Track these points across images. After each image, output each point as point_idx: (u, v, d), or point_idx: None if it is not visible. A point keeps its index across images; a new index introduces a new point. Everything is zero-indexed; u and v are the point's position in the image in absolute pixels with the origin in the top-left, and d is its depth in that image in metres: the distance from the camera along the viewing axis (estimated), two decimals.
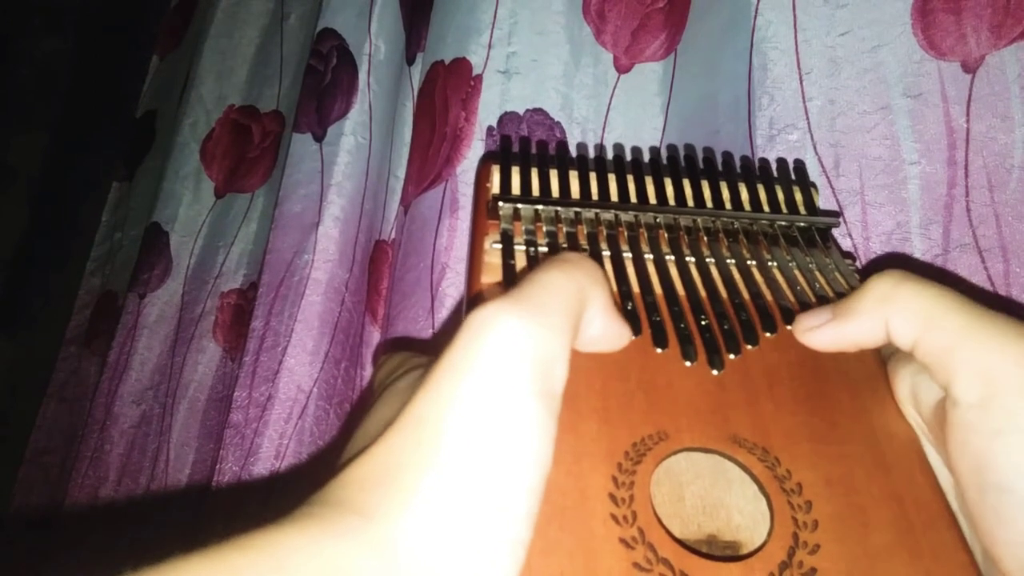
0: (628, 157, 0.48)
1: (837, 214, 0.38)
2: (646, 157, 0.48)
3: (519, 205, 0.30)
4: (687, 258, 0.29)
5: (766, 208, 0.33)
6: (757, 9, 0.41)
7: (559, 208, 0.31)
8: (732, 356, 0.25)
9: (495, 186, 0.32)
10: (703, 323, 0.26)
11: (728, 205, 0.33)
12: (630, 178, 0.33)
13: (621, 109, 0.50)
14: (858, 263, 0.38)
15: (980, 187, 0.36)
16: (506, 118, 0.49)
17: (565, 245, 0.29)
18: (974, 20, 0.37)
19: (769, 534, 0.21)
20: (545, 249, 0.29)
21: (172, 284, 0.70)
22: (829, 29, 0.40)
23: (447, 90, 0.52)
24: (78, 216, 0.99)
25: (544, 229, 0.30)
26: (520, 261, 0.28)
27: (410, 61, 0.60)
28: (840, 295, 0.27)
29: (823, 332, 0.25)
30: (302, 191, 0.57)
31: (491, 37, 0.51)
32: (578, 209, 0.31)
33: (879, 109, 0.39)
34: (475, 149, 0.49)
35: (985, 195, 0.36)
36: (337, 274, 0.54)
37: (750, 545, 0.22)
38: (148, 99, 0.87)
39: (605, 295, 0.23)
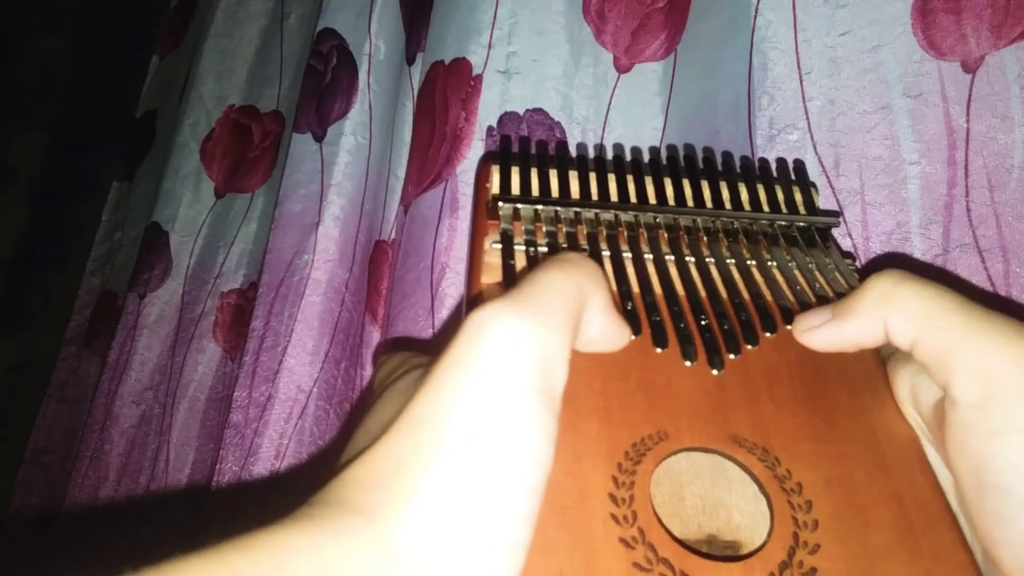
0: (628, 157, 0.48)
1: (837, 214, 0.38)
2: (646, 157, 0.48)
3: (519, 205, 0.30)
4: (687, 258, 0.29)
5: (766, 208, 0.33)
6: (757, 9, 0.41)
7: (559, 208, 0.31)
8: (732, 356, 0.25)
9: (495, 186, 0.32)
10: (703, 323, 0.26)
11: (728, 205, 0.33)
12: (630, 178, 0.33)
13: (621, 109, 0.50)
14: (858, 263, 0.38)
15: (980, 187, 0.36)
16: (506, 118, 0.49)
17: (565, 245, 0.29)
18: (974, 20, 0.37)
19: (769, 534, 0.21)
20: (545, 249, 0.29)
21: (172, 284, 0.70)
22: (829, 29, 0.40)
23: (447, 90, 0.52)
24: (78, 216, 0.99)
25: (544, 229, 0.30)
26: (520, 261, 0.28)
27: (410, 61, 0.60)
28: (840, 295, 0.27)
29: (822, 332, 0.25)
30: (302, 191, 0.57)
31: (491, 37, 0.51)
32: (578, 209, 0.31)
33: (879, 109, 0.39)
34: (475, 149, 0.49)
35: (985, 195, 0.36)
36: (337, 274, 0.54)
37: (750, 545, 0.22)
38: (148, 99, 0.87)
39: (605, 295, 0.23)
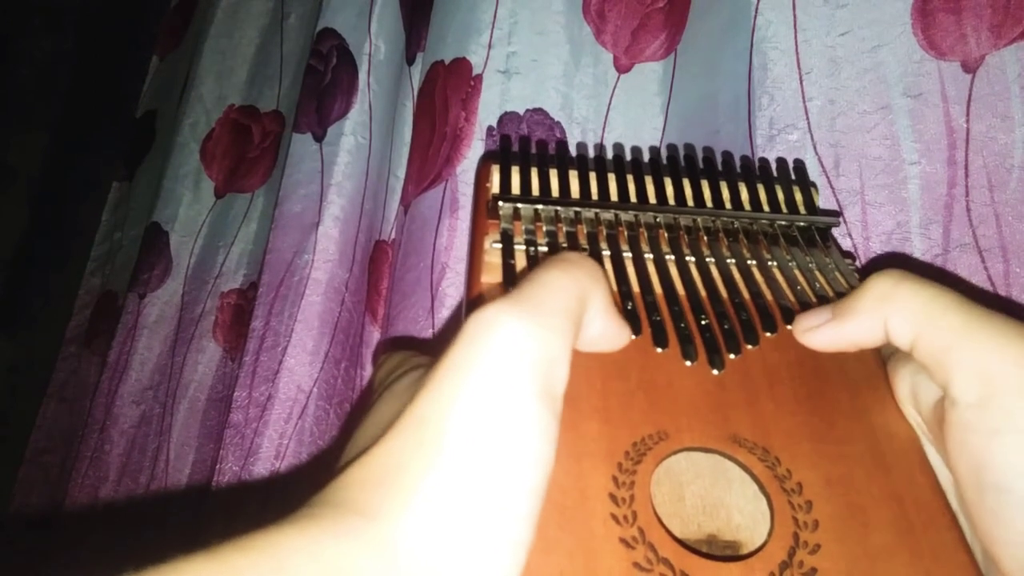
0: (628, 157, 0.48)
1: (837, 213, 0.38)
2: (646, 157, 0.48)
3: (519, 205, 0.30)
4: (687, 258, 0.29)
5: (766, 208, 0.33)
6: (757, 9, 0.41)
7: (559, 208, 0.31)
8: (732, 356, 0.25)
9: (495, 186, 0.32)
10: (703, 323, 0.26)
11: (728, 205, 0.33)
12: (630, 178, 0.33)
13: (621, 109, 0.50)
14: (858, 263, 0.38)
15: (980, 187, 0.36)
16: (506, 118, 0.49)
17: (565, 245, 0.29)
18: (974, 20, 0.37)
19: (769, 534, 0.21)
20: (545, 249, 0.29)
21: (172, 284, 0.70)
22: (829, 29, 0.40)
23: (447, 90, 0.52)
24: (78, 216, 0.99)
25: (544, 229, 0.30)
26: (520, 261, 0.28)
27: (410, 61, 0.60)
28: (840, 295, 0.27)
29: (822, 332, 0.25)
30: (302, 191, 0.57)
31: (491, 37, 0.51)
32: (578, 209, 0.31)
33: (879, 109, 0.39)
34: (475, 149, 0.49)
35: (985, 195, 0.36)
36: (337, 274, 0.54)
37: (750, 545, 0.22)
38: (148, 99, 0.87)
39: (605, 295, 0.23)
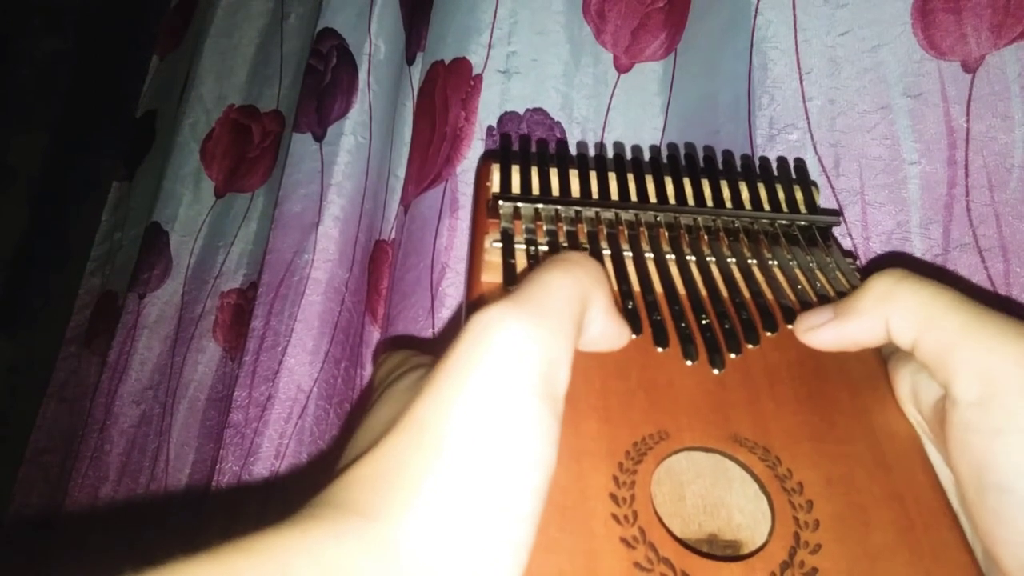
0: (628, 156, 0.48)
1: (838, 213, 0.38)
2: (646, 156, 0.48)
3: (519, 204, 0.30)
4: (688, 257, 0.29)
5: (767, 207, 0.33)
6: (757, 9, 0.41)
7: (559, 207, 0.31)
8: (733, 355, 0.25)
9: (495, 185, 0.32)
10: (704, 322, 0.26)
11: (729, 204, 0.33)
12: (630, 177, 0.33)
13: (621, 109, 0.50)
14: (859, 262, 0.38)
15: (980, 187, 0.36)
16: (506, 118, 0.49)
17: (565, 244, 0.29)
18: (974, 20, 0.37)
19: (770, 534, 0.21)
20: (545, 248, 0.29)
21: (172, 284, 0.70)
22: (829, 29, 0.40)
23: (447, 90, 0.52)
24: (78, 216, 0.99)
25: (544, 228, 0.30)
26: (520, 260, 0.28)
27: (410, 61, 0.60)
28: (841, 294, 0.27)
29: (824, 331, 0.25)
30: (302, 191, 0.57)
31: (491, 37, 0.51)
32: (578, 208, 0.31)
33: (879, 109, 0.39)
34: (475, 149, 0.49)
35: (985, 195, 0.36)
36: (337, 274, 0.54)
37: (751, 545, 0.22)
38: (148, 99, 0.87)
39: (607, 295, 0.23)
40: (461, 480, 0.17)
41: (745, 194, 0.33)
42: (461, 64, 0.51)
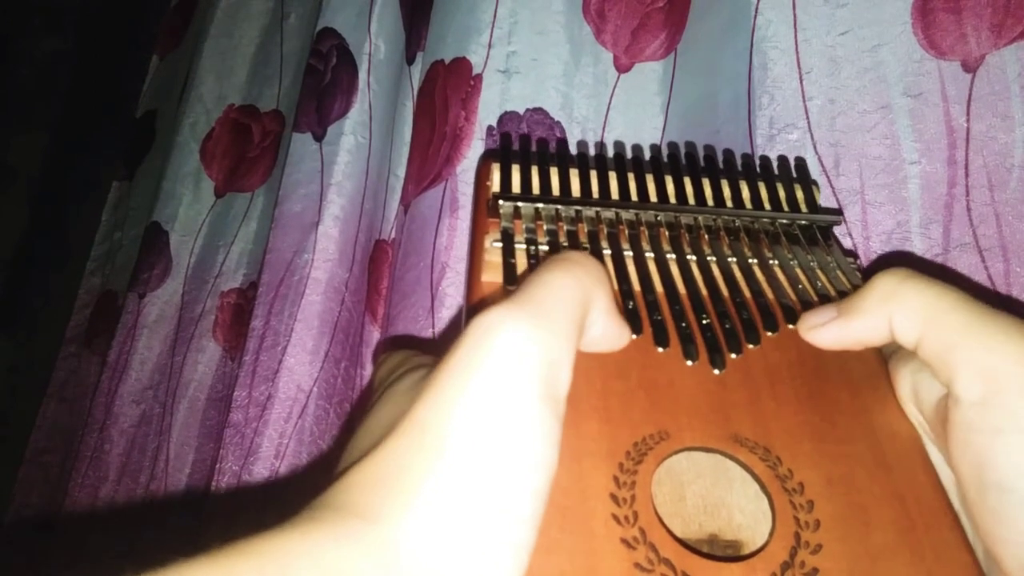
0: (628, 155, 0.48)
1: (839, 212, 0.38)
2: (646, 155, 0.48)
3: (519, 203, 0.30)
4: (688, 256, 0.29)
5: (767, 206, 0.33)
6: (757, 8, 0.41)
7: (560, 206, 0.31)
8: (733, 355, 0.25)
9: (495, 184, 0.32)
10: (704, 322, 0.26)
11: (729, 203, 0.33)
12: (631, 176, 0.33)
13: (621, 109, 0.50)
14: (859, 262, 0.38)
15: (980, 186, 0.36)
16: (506, 117, 0.49)
17: (566, 243, 0.29)
18: (974, 19, 0.37)
19: (771, 534, 0.21)
20: (546, 247, 0.29)
21: (172, 284, 0.70)
22: (829, 28, 0.40)
23: (447, 89, 0.52)
24: (78, 216, 0.99)
25: (545, 227, 0.30)
26: (521, 260, 0.28)
27: (410, 61, 0.60)
28: (842, 293, 0.27)
29: (828, 330, 0.25)
30: (302, 191, 0.57)
31: (491, 36, 0.51)
32: (579, 207, 0.31)
33: (879, 108, 0.39)
34: (475, 148, 0.49)
35: (985, 194, 0.36)
36: (337, 273, 0.54)
37: (752, 545, 0.22)
38: (148, 99, 0.87)
39: (608, 296, 0.23)
40: (462, 482, 0.17)
41: (746, 193, 0.33)
42: (461, 64, 0.51)
